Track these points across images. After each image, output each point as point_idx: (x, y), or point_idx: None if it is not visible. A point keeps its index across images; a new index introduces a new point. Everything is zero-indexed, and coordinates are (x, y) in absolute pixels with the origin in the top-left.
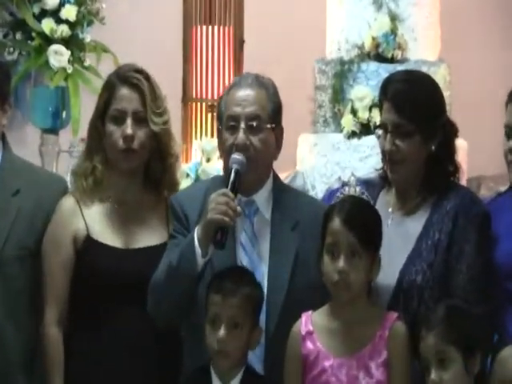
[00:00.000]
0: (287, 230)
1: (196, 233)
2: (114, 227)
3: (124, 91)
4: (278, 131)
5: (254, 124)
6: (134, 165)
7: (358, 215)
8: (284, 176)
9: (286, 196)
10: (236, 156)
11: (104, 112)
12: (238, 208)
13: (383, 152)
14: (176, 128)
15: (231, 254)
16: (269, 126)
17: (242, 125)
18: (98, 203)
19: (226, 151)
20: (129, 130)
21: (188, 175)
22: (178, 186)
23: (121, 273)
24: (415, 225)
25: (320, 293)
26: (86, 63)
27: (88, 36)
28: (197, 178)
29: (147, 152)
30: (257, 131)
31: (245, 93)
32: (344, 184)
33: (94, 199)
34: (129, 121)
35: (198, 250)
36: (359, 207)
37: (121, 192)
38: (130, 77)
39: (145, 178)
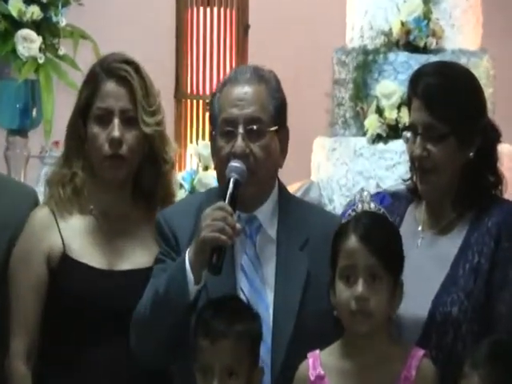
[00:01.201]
0: (295, 250)
1: (187, 255)
2: (96, 244)
3: (110, 86)
4: (283, 134)
5: (254, 128)
6: (122, 174)
7: (377, 231)
8: (296, 187)
9: (293, 210)
10: (235, 164)
11: (86, 110)
12: (238, 225)
13: (412, 158)
14: (167, 130)
15: (230, 279)
16: (271, 128)
17: (240, 129)
18: (77, 215)
19: (221, 161)
20: (116, 133)
21: (181, 186)
22: (174, 199)
23: (103, 299)
24: (450, 246)
25: (332, 325)
26: (61, 52)
27: (63, 19)
28: (192, 190)
29: (137, 159)
30: (257, 136)
31: (242, 90)
32: (356, 200)
33: (72, 210)
34: (116, 121)
35: (190, 276)
36: (378, 222)
37: (105, 205)
38: (117, 69)
39: (134, 188)
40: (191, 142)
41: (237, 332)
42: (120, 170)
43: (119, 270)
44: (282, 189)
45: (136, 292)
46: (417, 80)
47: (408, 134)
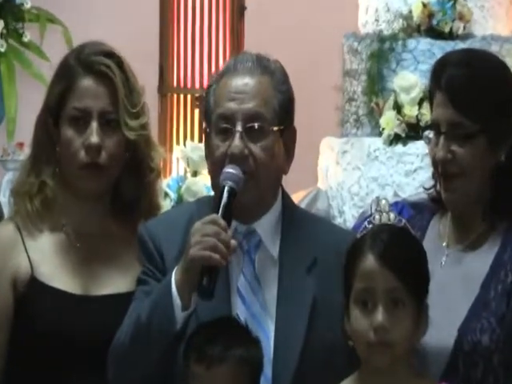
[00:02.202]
0: (301, 272)
1: (174, 276)
2: (69, 266)
3: (88, 83)
4: (289, 134)
5: (256, 126)
6: (100, 185)
7: (399, 248)
8: (300, 197)
9: (299, 224)
10: (230, 170)
11: (58, 108)
12: (233, 241)
13: (434, 162)
14: (150, 128)
15: (224, 304)
16: (275, 128)
17: (239, 127)
18: (47, 232)
19: (215, 163)
20: (94, 139)
21: (167, 195)
22: (159, 212)
23: (77, 328)
24: (479, 263)
25: (343, 357)
26: (26, 38)
27: (28, 1)
28: (179, 199)
29: (118, 167)
30: (259, 136)
31: (242, 82)
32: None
33: (41, 226)
34: (94, 125)
35: (177, 301)
36: (400, 237)
37: (79, 220)
38: (96, 63)
39: (113, 201)
40: (178, 143)
41: (235, 357)
42: (98, 181)
43: (95, 296)
44: (287, 199)
45: (115, 321)
46: (440, 70)
47: (430, 134)
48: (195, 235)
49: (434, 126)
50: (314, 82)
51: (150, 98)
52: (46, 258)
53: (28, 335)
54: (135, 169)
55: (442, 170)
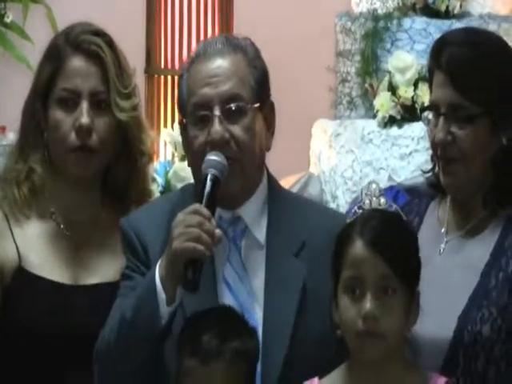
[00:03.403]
0: (289, 257)
1: (158, 270)
2: (58, 255)
3: (77, 63)
4: (268, 109)
5: (233, 107)
6: (91, 170)
7: (389, 234)
8: (292, 182)
9: (286, 208)
10: (212, 157)
11: (47, 91)
12: (218, 231)
13: (433, 145)
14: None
15: (210, 294)
16: (254, 105)
17: (217, 111)
18: (35, 220)
19: (196, 154)
20: (84, 119)
21: (154, 179)
22: (151, 198)
23: (66, 319)
24: (480, 251)
25: (334, 345)
26: (8, 19)
27: None
28: (167, 184)
29: (109, 151)
30: (238, 116)
31: (214, 65)
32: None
33: (29, 214)
34: (84, 105)
35: (162, 295)
36: (390, 223)
37: (69, 207)
38: (86, 42)
39: (103, 187)
40: (165, 126)
41: (232, 350)
42: (88, 166)
43: (84, 285)
44: (272, 182)
45: (105, 310)
46: (441, 49)
47: (429, 115)
48: (178, 227)
49: (433, 106)
50: (306, 62)
51: (137, 80)
52: (34, 247)
53: (16, 327)
54: (126, 153)
55: (442, 152)
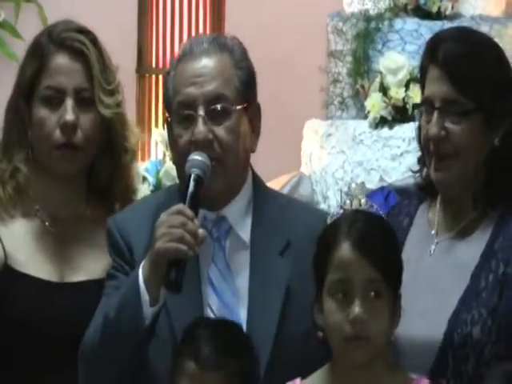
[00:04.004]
0: (274, 256)
1: (141, 271)
2: (44, 252)
3: (62, 60)
4: (253, 111)
5: (218, 107)
6: (76, 167)
7: (375, 236)
8: (282, 182)
9: (271, 207)
10: (196, 157)
11: (30, 89)
12: (201, 231)
13: (425, 140)
14: (128, 110)
15: (195, 295)
16: (239, 106)
17: (201, 111)
18: (20, 219)
19: (180, 153)
20: (69, 116)
21: (145, 179)
22: (135, 196)
23: (52, 316)
24: (470, 252)
25: (317, 345)
26: (0, 17)
27: None
28: (157, 184)
29: (94, 148)
30: (222, 117)
31: (200, 64)
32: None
33: (14, 213)
34: (69, 102)
35: (145, 296)
36: (374, 224)
37: (54, 205)
38: (70, 39)
39: (88, 184)
40: (156, 126)
41: (230, 368)
42: (74, 163)
43: (71, 282)
44: (257, 182)
45: (91, 308)
46: (437, 45)
47: (421, 111)
48: (161, 227)
49: (426, 102)
50: (298, 62)
51: (128, 79)
52: (20, 245)
53: (2, 324)
54: (110, 150)
55: (435, 148)
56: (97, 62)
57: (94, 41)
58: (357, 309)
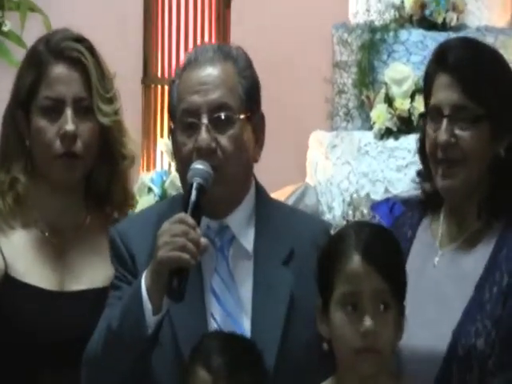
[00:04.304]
0: (277, 265)
1: (144, 280)
2: (45, 262)
3: (59, 70)
4: (257, 121)
5: (221, 116)
6: (77, 176)
7: (383, 248)
8: (288, 192)
9: (274, 217)
10: (198, 166)
11: (28, 99)
12: (203, 240)
13: (433, 148)
14: (133, 121)
15: (198, 304)
16: (242, 115)
17: (204, 120)
18: (20, 229)
19: (183, 161)
20: (69, 126)
21: (150, 190)
22: (134, 201)
23: (53, 325)
24: (474, 264)
25: (321, 356)
26: (6, 27)
27: None
28: (163, 194)
29: (93, 157)
30: (225, 126)
31: (204, 73)
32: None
33: (14, 224)
34: (69, 112)
35: (148, 305)
36: (382, 237)
37: (53, 214)
38: (67, 49)
39: (86, 191)
40: (162, 136)
41: (243, 380)
42: (74, 171)
43: (71, 291)
44: (260, 192)
45: (92, 317)
46: (445, 52)
47: (427, 119)
48: (163, 236)
49: (434, 110)
50: (303, 73)
51: (134, 89)
52: (20, 255)
53: (3, 334)
54: (108, 157)
55: (443, 154)
56: (95, 70)
57: (91, 49)
58: (368, 322)
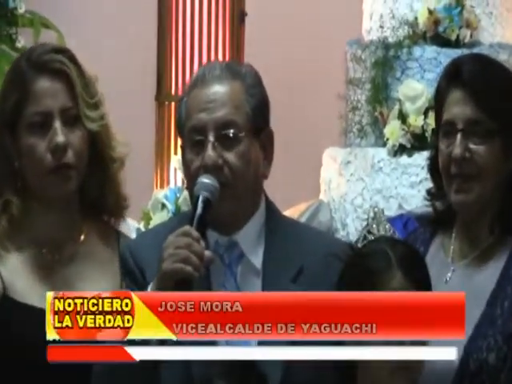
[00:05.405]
0: (286, 282)
1: (150, 291)
2: (43, 280)
3: (43, 83)
4: (265, 137)
5: (228, 133)
6: (71, 186)
7: (419, 266)
8: (302, 209)
9: (284, 233)
10: (204, 180)
11: (14, 119)
12: (207, 252)
13: (447, 163)
14: (146, 137)
15: None
16: (249, 132)
17: (211, 137)
18: (17, 250)
19: (191, 178)
20: (60, 138)
21: (164, 206)
22: (126, 204)
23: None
24: (486, 279)
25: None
26: (19, 44)
27: (22, 5)
28: (177, 211)
29: (84, 165)
30: (233, 143)
31: (211, 90)
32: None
33: (10, 246)
34: (57, 124)
35: None
36: (414, 252)
37: (50, 231)
38: (49, 61)
39: (80, 200)
40: (175, 153)
41: None
42: (69, 182)
43: None
44: (271, 209)
45: None
46: (458, 67)
47: (440, 134)
48: (168, 248)
49: (447, 125)
50: (317, 90)
51: (148, 106)
52: (18, 275)
53: (5, 355)
54: (98, 162)
55: (458, 169)
56: (78, 79)
57: (72, 58)
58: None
